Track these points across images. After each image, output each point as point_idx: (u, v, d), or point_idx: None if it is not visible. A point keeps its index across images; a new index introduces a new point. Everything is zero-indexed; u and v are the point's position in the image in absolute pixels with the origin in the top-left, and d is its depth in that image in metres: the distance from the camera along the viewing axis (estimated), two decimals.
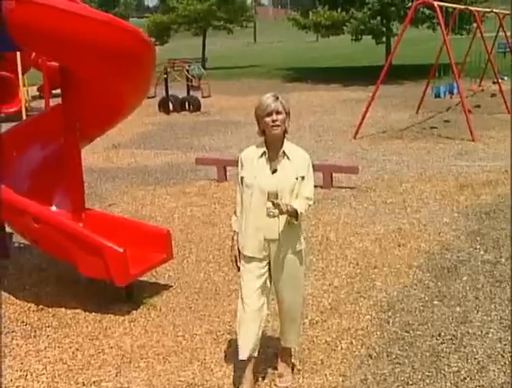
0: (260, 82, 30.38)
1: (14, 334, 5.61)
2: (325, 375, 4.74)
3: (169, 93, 20.99)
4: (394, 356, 4.97)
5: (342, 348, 5.13)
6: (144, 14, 51.77)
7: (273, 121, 4.10)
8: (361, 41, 31.12)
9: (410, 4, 15.61)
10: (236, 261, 4.45)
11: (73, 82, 6.23)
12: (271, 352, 5.03)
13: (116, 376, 4.83)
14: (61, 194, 6.66)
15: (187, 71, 22.78)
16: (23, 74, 21.04)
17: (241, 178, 4.30)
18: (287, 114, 4.18)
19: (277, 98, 4.15)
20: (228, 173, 10.83)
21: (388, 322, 5.54)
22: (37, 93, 24.07)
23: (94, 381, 4.76)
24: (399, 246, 7.38)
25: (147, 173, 11.75)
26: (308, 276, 6.57)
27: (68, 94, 6.42)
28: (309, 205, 4.30)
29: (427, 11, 25.39)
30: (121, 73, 5.82)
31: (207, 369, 4.87)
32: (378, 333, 5.36)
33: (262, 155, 4.21)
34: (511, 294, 5.98)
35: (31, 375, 4.90)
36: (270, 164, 4.21)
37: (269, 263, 4.37)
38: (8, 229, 7.33)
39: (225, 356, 5.06)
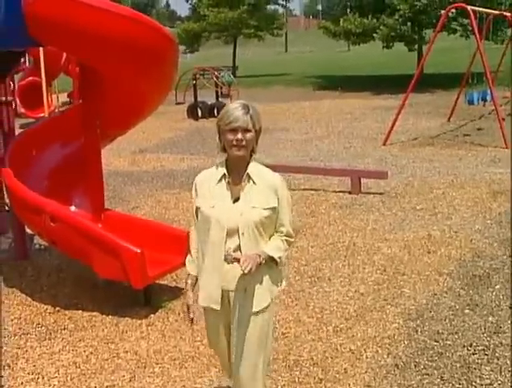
0: (290, 90, 30.27)
1: (28, 336, 5.45)
2: (349, 385, 4.50)
3: (198, 99, 20.92)
4: (422, 367, 4.71)
5: (367, 357, 4.88)
6: (176, 23, 51.96)
7: (237, 141, 3.23)
8: (393, 49, 30.86)
9: (443, 11, 15.23)
10: (188, 311, 3.55)
11: (94, 80, 6.09)
12: None
13: (130, 381, 4.64)
14: (81, 194, 6.52)
15: (217, 78, 22.69)
16: (52, 80, 21.16)
17: (196, 208, 3.44)
18: (257, 131, 3.31)
19: (247, 110, 3.24)
20: None
21: (417, 331, 5.28)
22: (67, 99, 24.13)
23: (106, 386, 4.57)
24: (429, 252, 7.11)
25: (172, 177, 11.61)
26: (334, 282, 6.36)
27: (88, 93, 6.30)
28: (290, 244, 3.46)
29: (460, 19, 25.01)
30: (143, 70, 5.67)
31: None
32: (405, 342, 5.10)
33: (221, 179, 3.34)
34: None
35: (43, 378, 4.73)
36: (232, 191, 3.33)
37: (230, 317, 3.50)
38: (28, 231, 7.22)
39: None
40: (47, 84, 19.73)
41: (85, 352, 5.12)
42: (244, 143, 3.24)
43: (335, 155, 13.29)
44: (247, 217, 3.27)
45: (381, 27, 28.04)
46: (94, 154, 6.35)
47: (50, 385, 4.62)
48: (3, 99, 6.94)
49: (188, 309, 3.55)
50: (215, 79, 22.75)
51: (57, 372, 4.81)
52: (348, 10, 30.78)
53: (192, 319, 3.56)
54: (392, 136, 14.50)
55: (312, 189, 10.15)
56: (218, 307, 3.40)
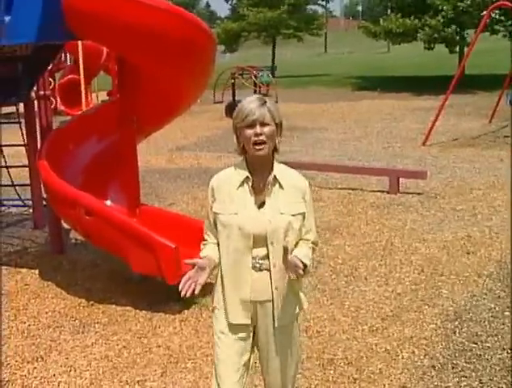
0: (329, 90, 30.12)
1: (62, 329, 5.45)
2: (384, 385, 4.39)
3: (236, 98, 20.91)
4: (460, 369, 4.58)
5: (403, 358, 4.77)
6: (216, 23, 52.15)
7: (256, 135, 2.92)
8: (434, 51, 30.53)
9: (485, 12, 14.95)
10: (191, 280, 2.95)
11: (131, 74, 6.08)
12: None
13: (162, 376, 4.59)
14: (116, 189, 6.51)
15: (255, 77, 22.66)
16: (92, 78, 21.38)
17: (215, 214, 3.10)
18: (278, 126, 3.01)
19: (264, 102, 2.97)
20: None
21: (455, 332, 5.15)
22: (107, 98, 24.36)
23: (138, 381, 4.53)
24: (468, 253, 6.95)
25: (209, 174, 11.42)
26: (370, 282, 6.25)
27: (125, 87, 6.28)
28: (315, 250, 3.24)
29: (504, 19, 24.61)
30: (180, 64, 5.65)
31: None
32: (443, 343, 4.97)
33: (243, 183, 3.03)
34: None
35: (75, 371, 4.71)
36: (256, 195, 3.03)
37: (258, 331, 3.19)
38: (64, 226, 7.26)
39: None
40: (86, 82, 19.95)
41: (117, 345, 5.10)
42: (263, 138, 2.92)
43: (373, 155, 13.14)
44: (276, 224, 2.99)
45: (424, 28, 27.68)
46: (130, 149, 6.33)
47: (82, 378, 4.60)
48: (41, 93, 6.98)
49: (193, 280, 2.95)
50: (253, 79, 22.69)
51: (89, 365, 4.79)
52: (389, 11, 30.49)
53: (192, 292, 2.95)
54: (432, 136, 14.29)
55: (349, 188, 10.03)
56: (249, 321, 3.11)
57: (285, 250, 2.87)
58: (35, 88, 7.15)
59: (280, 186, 3.03)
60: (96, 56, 19.46)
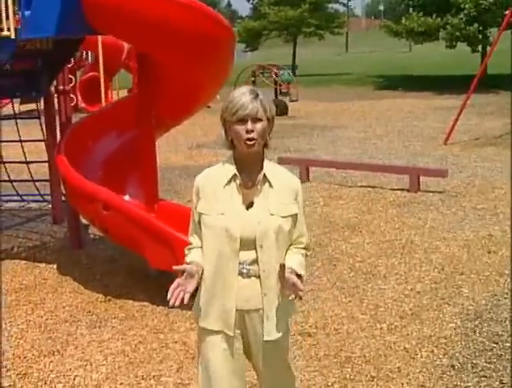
0: (350, 89, 30.01)
1: (79, 323, 5.45)
2: (402, 384, 4.33)
3: None
4: (480, 369, 4.50)
5: (421, 357, 4.70)
6: (237, 22, 52.24)
7: (247, 132, 2.69)
8: (456, 50, 30.24)
9: (509, 11, 14.75)
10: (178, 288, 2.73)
11: (150, 69, 6.06)
12: None
13: (178, 371, 4.57)
14: (134, 184, 6.48)
15: (276, 75, 22.60)
16: (112, 76, 21.46)
17: (199, 215, 2.86)
18: (270, 121, 2.77)
19: (256, 95, 2.72)
20: (311, 174, 10.55)
21: (475, 332, 5.07)
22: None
23: (153, 376, 4.51)
24: (489, 252, 6.85)
25: None
26: (389, 280, 6.18)
27: (144, 82, 6.26)
28: (307, 256, 3.02)
29: None
30: (199, 57, 5.61)
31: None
32: (463, 342, 4.90)
33: (230, 180, 2.79)
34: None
35: (91, 365, 4.70)
36: (244, 195, 2.81)
37: (244, 344, 2.93)
38: (83, 221, 7.26)
39: (294, 358, 4.69)
40: (107, 80, 20.02)
41: (134, 341, 5.08)
42: (255, 135, 2.69)
43: (394, 153, 13.04)
44: (266, 225, 2.75)
45: (446, 27, 27.46)
46: (149, 144, 6.31)
47: (98, 373, 4.58)
48: (61, 88, 6.98)
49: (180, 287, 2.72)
50: (274, 77, 22.64)
51: (105, 359, 4.78)
52: (411, 10, 30.28)
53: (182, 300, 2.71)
54: (453, 135, 14.16)
55: (369, 186, 9.95)
56: (231, 332, 2.84)
57: (281, 267, 2.66)
58: (54, 83, 7.16)
59: (270, 185, 2.81)
60: (117, 54, 19.54)
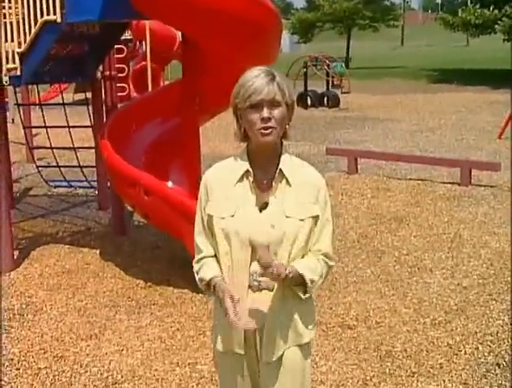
0: (404, 83, 29.53)
1: (118, 308, 5.43)
2: (443, 381, 4.17)
3: (308, 88, 20.71)
4: None
5: (465, 353, 4.53)
6: (291, 13, 52.06)
7: (263, 121, 2.32)
8: None
9: None
10: (234, 307, 2.31)
11: (195, 56, 5.99)
12: None
13: (213, 359, 4.49)
14: (177, 170, 6.43)
15: (328, 66, 22.37)
16: (164, 66, 21.54)
17: (209, 217, 2.48)
18: (290, 107, 2.39)
19: (273, 77, 2.34)
20: (359, 166, 10.37)
21: None
22: None
23: (189, 363, 4.46)
24: None
25: None
26: (435, 274, 6.00)
27: (189, 68, 6.20)
28: (329, 269, 2.51)
29: None
30: (246, 44, 5.54)
31: (311, 362, 4.42)
32: (509, 340, 4.71)
33: (242, 177, 2.44)
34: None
35: (127, 350, 4.68)
36: (258, 194, 2.43)
37: (256, 362, 2.54)
38: (128, 208, 7.26)
39: (333, 350, 4.60)
40: (159, 69, 20.10)
41: (171, 327, 5.04)
42: (272, 123, 2.32)
43: (446, 147, 12.75)
44: (280, 230, 2.37)
45: (503, 19, 26.79)
46: (192, 131, 6.25)
47: (133, 358, 4.55)
48: (107, 73, 6.98)
49: (233, 304, 2.31)
50: (326, 69, 22.41)
51: (142, 345, 4.75)
52: (469, 2, 29.63)
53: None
54: (508, 129, 13.76)
55: (419, 179, 9.73)
56: (242, 351, 2.49)
57: (261, 264, 2.24)
58: (100, 68, 7.17)
59: (288, 182, 2.42)
60: (169, 44, 19.57)
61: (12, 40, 5.93)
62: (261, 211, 2.41)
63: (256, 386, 2.57)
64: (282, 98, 2.33)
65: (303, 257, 2.44)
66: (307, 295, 2.43)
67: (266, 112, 2.31)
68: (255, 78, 2.32)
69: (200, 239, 2.56)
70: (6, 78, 5.98)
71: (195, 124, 6.28)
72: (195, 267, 2.57)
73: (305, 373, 2.59)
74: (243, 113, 2.36)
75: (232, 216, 2.40)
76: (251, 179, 2.42)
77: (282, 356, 2.48)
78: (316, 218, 2.44)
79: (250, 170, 2.42)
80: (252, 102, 2.31)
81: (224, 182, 2.46)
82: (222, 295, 2.34)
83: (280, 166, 2.42)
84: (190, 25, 5.56)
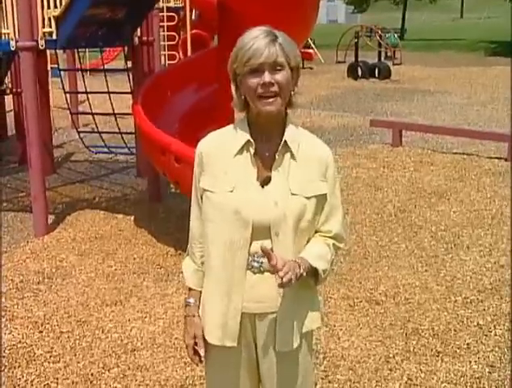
0: (459, 55, 28.90)
1: (146, 275, 5.42)
2: (469, 362, 4.02)
3: (359, 59, 20.37)
4: None
5: (495, 334, 4.36)
6: None
7: (264, 86, 2.07)
8: None
9: None
10: (194, 346, 2.28)
11: (230, 20, 5.87)
12: None
13: None
14: None
15: (380, 37, 21.95)
16: (214, 34, 21.39)
17: (203, 191, 2.22)
18: (294, 70, 2.12)
19: (274, 38, 2.07)
20: (404, 138, 10.15)
21: None
22: None
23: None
24: None
25: (319, 133, 11.24)
26: (472, 251, 5.82)
27: (224, 36, 6.09)
28: (337, 251, 2.32)
29: None
30: (282, 8, 5.39)
31: (333, 337, 4.34)
32: None
33: (242, 149, 2.18)
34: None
35: (150, 318, 4.65)
36: (259, 167, 2.18)
37: (256, 354, 2.30)
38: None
39: (358, 325, 4.49)
40: (208, 38, 19.95)
41: None
42: (275, 88, 2.07)
43: (496, 121, 12.37)
44: (284, 208, 2.13)
45: None
46: (226, 100, 6.11)
47: (155, 326, 4.52)
48: (144, 38, 6.91)
49: (195, 342, 2.27)
50: (378, 39, 21.99)
51: (165, 313, 4.72)
52: None
53: (200, 358, 2.29)
54: None
55: (465, 154, 9.46)
56: (234, 343, 2.22)
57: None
58: (138, 33, 7.10)
59: (292, 156, 2.17)
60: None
61: (49, 6, 5.90)
62: (263, 186, 2.16)
63: (252, 379, 2.36)
64: (285, 60, 2.07)
65: (309, 239, 2.24)
66: (320, 282, 2.23)
67: (267, 77, 2.05)
68: (254, 40, 2.05)
69: (195, 226, 2.34)
70: (41, 42, 5.97)
71: (229, 93, 6.16)
72: (186, 263, 2.45)
73: (311, 359, 2.43)
74: (242, 79, 2.12)
75: (231, 191, 2.15)
76: (252, 150, 2.16)
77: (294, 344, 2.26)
78: (322, 197, 2.22)
79: (252, 140, 2.16)
80: (252, 66, 2.06)
81: (221, 153, 2.20)
82: (189, 329, 2.29)
83: (285, 138, 2.16)
84: None
